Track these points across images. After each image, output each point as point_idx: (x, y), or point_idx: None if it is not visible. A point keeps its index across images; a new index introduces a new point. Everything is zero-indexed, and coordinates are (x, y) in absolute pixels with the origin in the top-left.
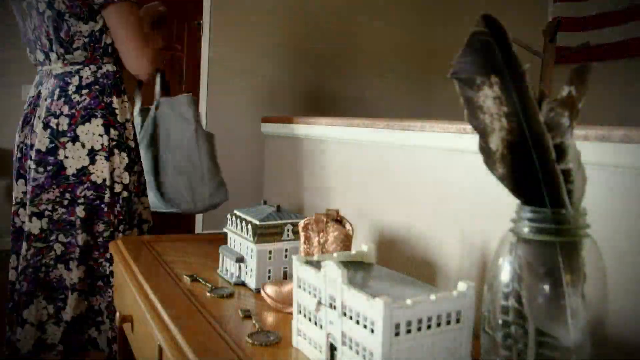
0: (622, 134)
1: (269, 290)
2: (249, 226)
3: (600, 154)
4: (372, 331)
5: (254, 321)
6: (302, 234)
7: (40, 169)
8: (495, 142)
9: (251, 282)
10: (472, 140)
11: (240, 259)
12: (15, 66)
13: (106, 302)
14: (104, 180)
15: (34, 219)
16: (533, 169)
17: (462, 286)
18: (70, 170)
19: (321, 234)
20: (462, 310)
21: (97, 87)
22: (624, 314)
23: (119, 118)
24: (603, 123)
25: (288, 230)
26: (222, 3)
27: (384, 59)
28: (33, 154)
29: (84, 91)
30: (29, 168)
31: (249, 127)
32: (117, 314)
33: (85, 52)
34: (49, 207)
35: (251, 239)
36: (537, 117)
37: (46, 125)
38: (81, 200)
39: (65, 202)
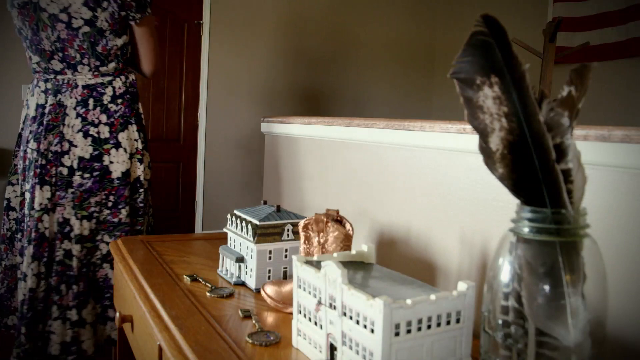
0: (622, 134)
1: (269, 290)
2: (249, 226)
3: (600, 154)
4: (372, 331)
5: (254, 321)
6: (302, 234)
7: (87, 175)
8: (495, 142)
9: (251, 282)
10: (472, 140)
11: (240, 259)
12: (15, 66)
13: None
14: (137, 179)
15: (84, 221)
16: (533, 169)
17: (462, 286)
18: (115, 174)
19: (321, 234)
20: (462, 310)
21: (128, 96)
22: (624, 314)
23: (143, 122)
24: (603, 123)
25: (288, 230)
26: (222, 3)
27: (385, 58)
28: (69, 161)
29: (119, 101)
30: (60, 174)
31: (249, 127)
32: (117, 314)
33: (117, 64)
34: (97, 209)
35: (251, 239)
36: (537, 117)
37: (86, 134)
38: (127, 201)
39: (110, 204)
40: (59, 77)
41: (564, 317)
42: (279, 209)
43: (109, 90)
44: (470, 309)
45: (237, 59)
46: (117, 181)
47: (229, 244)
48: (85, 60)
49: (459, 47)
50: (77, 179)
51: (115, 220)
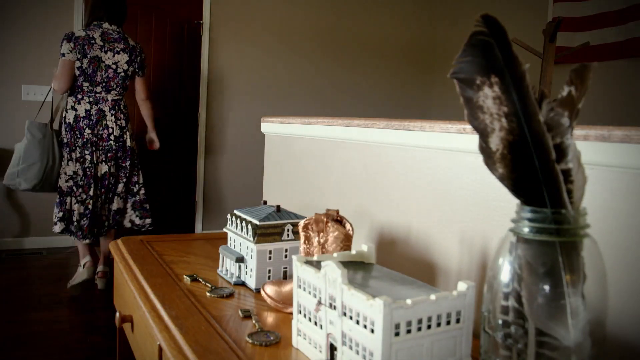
0: (622, 134)
1: (269, 290)
2: (249, 226)
3: (600, 154)
4: (372, 331)
5: (254, 321)
6: (302, 234)
7: (119, 144)
8: (495, 142)
9: (251, 282)
10: (472, 140)
11: (240, 259)
12: (15, 66)
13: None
14: (133, 148)
15: (108, 166)
16: (533, 169)
17: (462, 286)
18: (127, 145)
19: (321, 234)
20: (462, 310)
21: (126, 107)
22: (624, 314)
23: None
24: (603, 123)
25: (288, 230)
26: (222, 3)
27: (386, 58)
28: (111, 137)
29: (125, 109)
30: (109, 145)
31: (249, 127)
32: (117, 314)
33: (125, 91)
34: (117, 161)
35: (251, 239)
36: (537, 117)
37: (116, 124)
38: (129, 156)
39: (123, 158)
40: (97, 95)
41: (564, 317)
42: (279, 209)
43: (122, 103)
44: (470, 309)
45: (237, 58)
46: (128, 147)
47: (229, 244)
48: (117, 89)
49: (459, 47)
50: (113, 145)
51: (124, 165)
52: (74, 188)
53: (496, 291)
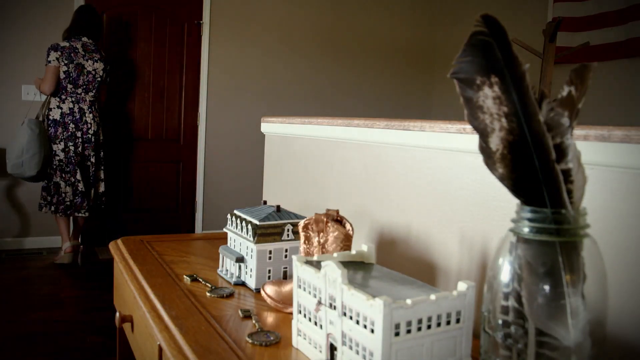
0: (622, 134)
1: (269, 290)
2: (249, 226)
3: (600, 154)
4: (372, 331)
5: (254, 321)
6: (302, 234)
7: (96, 138)
8: (495, 142)
9: (251, 282)
10: (472, 140)
11: (240, 259)
12: (15, 66)
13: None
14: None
15: (95, 155)
16: (533, 169)
17: (462, 286)
18: (100, 139)
19: (321, 234)
20: (462, 310)
21: (99, 107)
22: (624, 314)
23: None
24: (603, 123)
25: (288, 230)
26: (222, 3)
27: (386, 58)
28: (90, 132)
29: (98, 109)
30: (88, 137)
31: (249, 127)
32: (117, 314)
33: (99, 92)
34: (93, 151)
35: (251, 239)
36: (537, 117)
37: (94, 121)
38: (102, 148)
39: (97, 150)
40: (78, 95)
41: (564, 317)
42: (279, 209)
43: (96, 104)
44: (470, 309)
45: (236, 59)
46: (100, 140)
47: (229, 244)
48: (93, 90)
49: (459, 47)
50: (93, 138)
51: (100, 155)
52: (62, 174)
53: (496, 291)
